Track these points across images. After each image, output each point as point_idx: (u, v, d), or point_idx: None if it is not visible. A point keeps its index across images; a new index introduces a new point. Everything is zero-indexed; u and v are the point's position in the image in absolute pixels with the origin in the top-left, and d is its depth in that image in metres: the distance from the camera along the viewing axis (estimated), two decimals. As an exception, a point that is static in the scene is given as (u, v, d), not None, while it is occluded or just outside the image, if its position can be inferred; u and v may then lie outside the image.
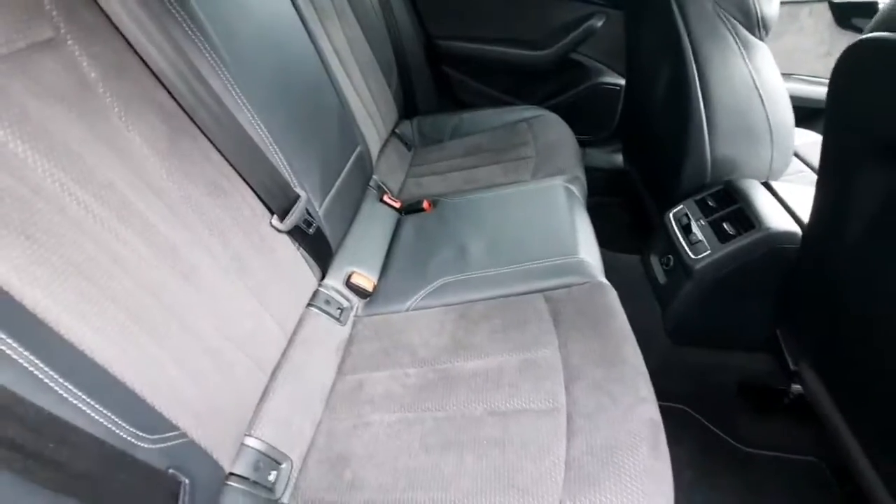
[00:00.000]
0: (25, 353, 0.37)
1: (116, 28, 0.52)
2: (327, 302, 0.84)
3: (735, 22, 0.84)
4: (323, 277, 0.86)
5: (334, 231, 0.88)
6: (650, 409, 0.60)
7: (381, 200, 1.12)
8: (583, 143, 1.39)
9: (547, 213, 0.98)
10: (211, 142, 0.62)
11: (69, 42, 0.48)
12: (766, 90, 0.91)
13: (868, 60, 0.51)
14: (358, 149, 1.04)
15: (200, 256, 0.57)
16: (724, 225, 0.91)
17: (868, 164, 0.55)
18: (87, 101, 0.48)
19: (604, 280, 0.81)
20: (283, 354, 0.71)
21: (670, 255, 0.99)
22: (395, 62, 1.39)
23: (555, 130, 1.31)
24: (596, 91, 1.55)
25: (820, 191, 0.67)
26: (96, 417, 0.41)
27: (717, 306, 0.93)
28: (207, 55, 0.64)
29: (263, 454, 0.61)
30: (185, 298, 0.53)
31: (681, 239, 0.97)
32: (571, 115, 1.42)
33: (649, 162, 1.26)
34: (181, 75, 0.58)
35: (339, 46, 1.11)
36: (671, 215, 1.03)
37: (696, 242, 0.93)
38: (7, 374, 0.36)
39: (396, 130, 1.41)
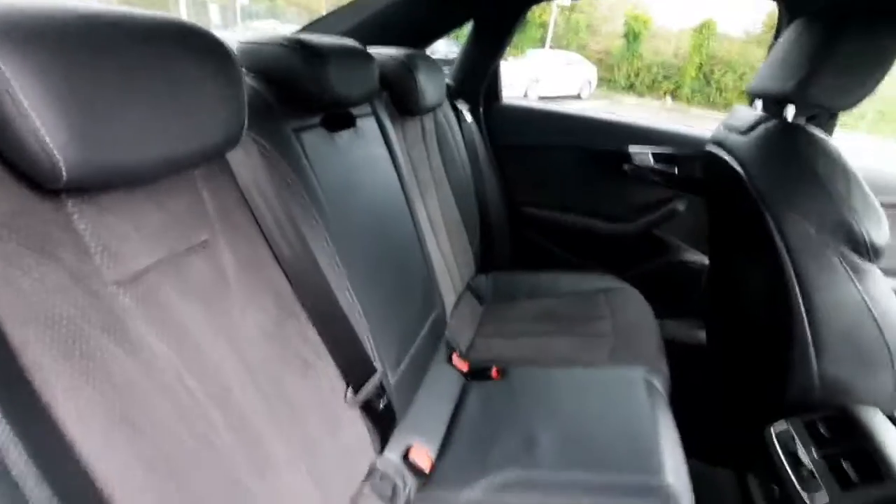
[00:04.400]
0: None
1: (258, 225, 0.60)
2: (381, 479, 0.79)
3: (842, 248, 0.81)
4: (382, 450, 0.82)
5: (402, 401, 0.86)
6: None
7: (450, 361, 1.11)
8: (660, 314, 1.34)
9: (627, 411, 0.90)
10: (310, 318, 0.66)
11: (220, 242, 0.55)
12: (880, 313, 0.84)
13: None
14: (435, 311, 1.06)
15: (277, 445, 0.57)
16: (844, 464, 0.78)
17: None
18: (220, 295, 0.54)
19: None
20: None
21: (775, 486, 0.85)
22: (479, 223, 1.49)
23: (634, 308, 1.28)
24: (676, 266, 1.54)
25: None
26: None
27: None
28: (324, 240, 0.72)
29: None
30: (253, 488, 0.52)
31: (788, 469, 0.83)
32: (650, 288, 1.39)
33: (742, 357, 1.16)
34: (299, 262, 0.64)
35: (432, 213, 1.21)
36: (774, 433, 0.90)
37: (809, 479, 0.79)
38: None
39: (471, 284, 1.45)
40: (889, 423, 0.81)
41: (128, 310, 0.44)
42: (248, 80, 0.73)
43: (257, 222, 0.61)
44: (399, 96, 1.07)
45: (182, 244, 0.50)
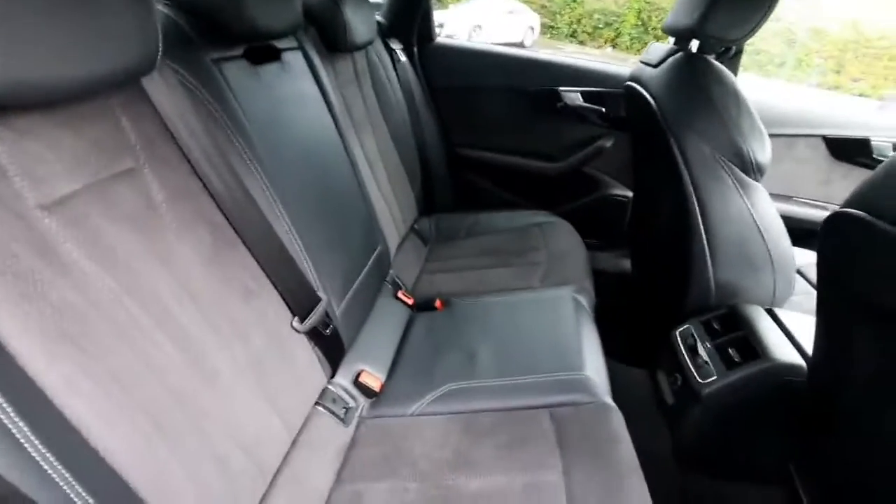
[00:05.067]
0: (53, 461, 0.39)
1: (186, 157, 0.61)
2: (334, 401, 0.85)
3: (732, 165, 0.92)
4: (333, 375, 0.88)
5: (349, 330, 0.91)
6: None
7: (396, 296, 1.16)
8: (591, 247, 1.46)
9: (555, 324, 1.01)
10: (249, 249, 0.68)
11: (145, 171, 0.55)
12: (764, 224, 0.97)
13: (848, 232, 0.56)
14: (378, 248, 1.10)
15: (223, 360, 0.60)
16: (730, 351, 0.93)
17: (859, 322, 0.58)
18: (150, 221, 0.55)
19: (609, 401, 0.82)
20: (286, 458, 0.71)
21: (678, 375, 1.00)
22: (419, 166, 1.51)
23: (565, 238, 1.38)
24: (605, 201, 1.65)
25: (820, 337, 0.70)
26: None
27: (727, 435, 0.92)
28: (256, 173, 0.72)
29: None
30: (204, 404, 0.56)
31: (687, 360, 0.98)
32: (581, 222, 1.49)
33: (656, 275, 1.30)
34: (232, 193, 0.65)
35: (370, 154, 1.22)
36: (677, 333, 1.05)
37: (703, 366, 0.94)
38: (31, 480, 0.38)
39: (415, 226, 1.49)
40: (766, 316, 0.97)
41: (55, 233, 0.45)
42: (162, 9, 0.70)
43: (184, 153, 0.61)
44: (326, 31, 1.04)
45: (105, 171, 0.50)
